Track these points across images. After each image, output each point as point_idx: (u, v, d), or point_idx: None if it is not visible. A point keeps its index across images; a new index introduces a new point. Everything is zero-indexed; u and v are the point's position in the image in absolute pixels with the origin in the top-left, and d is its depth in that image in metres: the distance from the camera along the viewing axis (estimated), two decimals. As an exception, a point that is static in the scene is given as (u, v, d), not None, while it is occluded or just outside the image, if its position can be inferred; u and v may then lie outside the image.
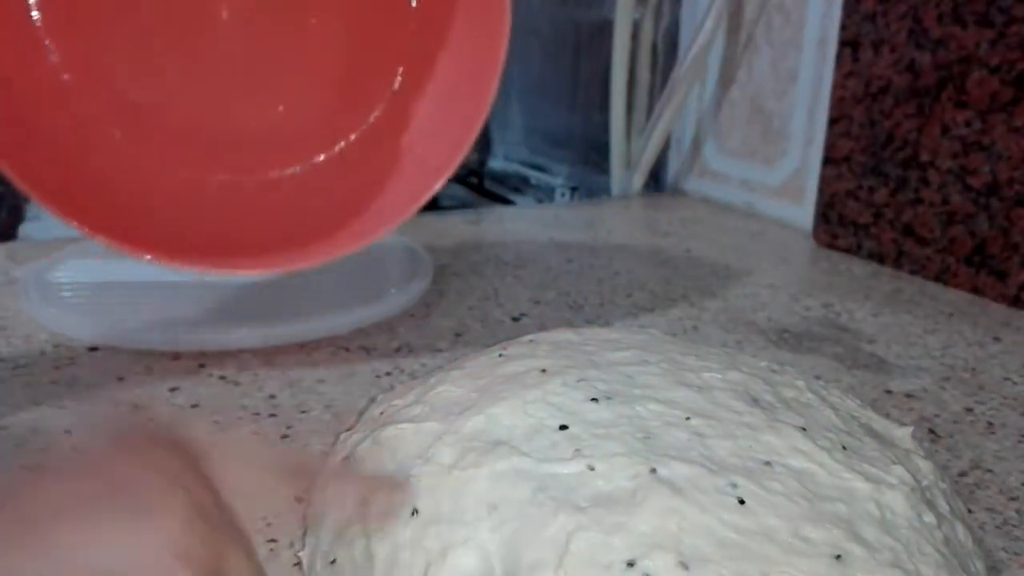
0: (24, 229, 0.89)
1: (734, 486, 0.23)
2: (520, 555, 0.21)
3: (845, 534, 0.22)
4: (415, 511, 0.23)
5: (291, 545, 0.29)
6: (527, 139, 1.17)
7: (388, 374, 0.42)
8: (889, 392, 0.41)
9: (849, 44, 0.62)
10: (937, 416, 0.39)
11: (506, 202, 1.00)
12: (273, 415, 0.38)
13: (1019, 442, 0.37)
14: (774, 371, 0.31)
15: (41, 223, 0.90)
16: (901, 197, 0.59)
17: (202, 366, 0.42)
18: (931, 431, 0.37)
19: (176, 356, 0.43)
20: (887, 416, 0.37)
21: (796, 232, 0.69)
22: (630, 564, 0.20)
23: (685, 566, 0.20)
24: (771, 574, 0.21)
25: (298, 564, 0.27)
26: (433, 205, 1.00)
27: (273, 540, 0.29)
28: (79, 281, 0.53)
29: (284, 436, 0.36)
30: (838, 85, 0.63)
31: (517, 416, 0.26)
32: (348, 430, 0.30)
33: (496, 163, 1.17)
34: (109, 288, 0.52)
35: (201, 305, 0.49)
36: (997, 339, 0.48)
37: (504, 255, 0.62)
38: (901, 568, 0.22)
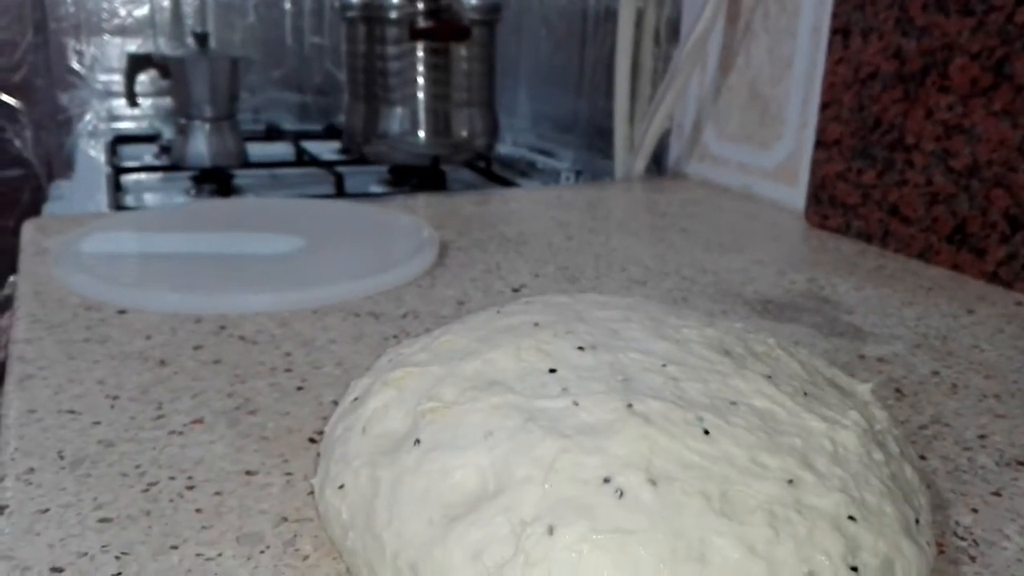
0: (48, 208, 0.92)
1: (701, 419, 0.26)
2: (512, 471, 0.24)
3: (798, 463, 0.25)
4: (418, 441, 0.26)
5: (305, 478, 0.32)
6: (534, 125, 1.20)
7: (395, 336, 0.45)
8: (862, 357, 0.44)
9: (840, 32, 0.64)
10: (905, 378, 0.42)
11: (513, 186, 1.03)
12: (288, 370, 0.41)
13: (979, 401, 0.39)
14: (749, 332, 0.34)
15: (64, 203, 0.93)
16: (888, 179, 0.62)
17: (223, 327, 0.45)
18: (897, 390, 0.40)
19: (199, 319, 0.46)
20: (854, 376, 0.40)
21: (790, 213, 0.72)
22: (606, 480, 0.23)
23: (653, 482, 0.23)
24: (729, 492, 0.24)
25: (311, 493, 0.30)
26: (442, 187, 1.04)
27: (289, 473, 0.32)
28: (105, 252, 0.56)
29: (299, 388, 0.39)
30: (829, 71, 0.65)
31: (511, 360, 0.29)
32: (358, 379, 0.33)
33: (504, 148, 1.20)
34: (133, 259, 0.56)
35: (221, 275, 0.52)
36: (971, 311, 0.50)
37: (507, 232, 0.65)
38: (847, 494, 0.25)
